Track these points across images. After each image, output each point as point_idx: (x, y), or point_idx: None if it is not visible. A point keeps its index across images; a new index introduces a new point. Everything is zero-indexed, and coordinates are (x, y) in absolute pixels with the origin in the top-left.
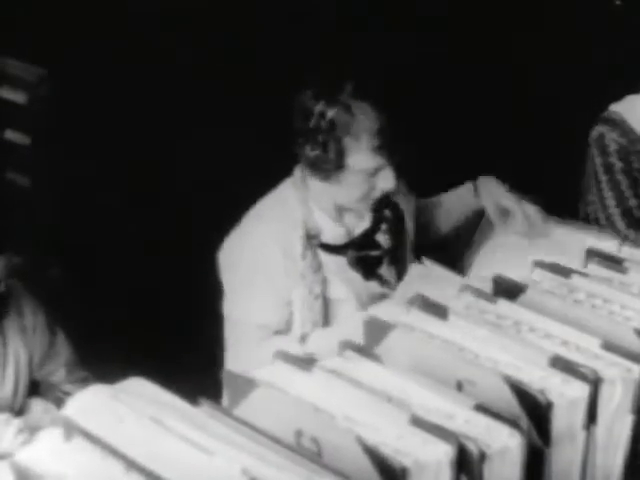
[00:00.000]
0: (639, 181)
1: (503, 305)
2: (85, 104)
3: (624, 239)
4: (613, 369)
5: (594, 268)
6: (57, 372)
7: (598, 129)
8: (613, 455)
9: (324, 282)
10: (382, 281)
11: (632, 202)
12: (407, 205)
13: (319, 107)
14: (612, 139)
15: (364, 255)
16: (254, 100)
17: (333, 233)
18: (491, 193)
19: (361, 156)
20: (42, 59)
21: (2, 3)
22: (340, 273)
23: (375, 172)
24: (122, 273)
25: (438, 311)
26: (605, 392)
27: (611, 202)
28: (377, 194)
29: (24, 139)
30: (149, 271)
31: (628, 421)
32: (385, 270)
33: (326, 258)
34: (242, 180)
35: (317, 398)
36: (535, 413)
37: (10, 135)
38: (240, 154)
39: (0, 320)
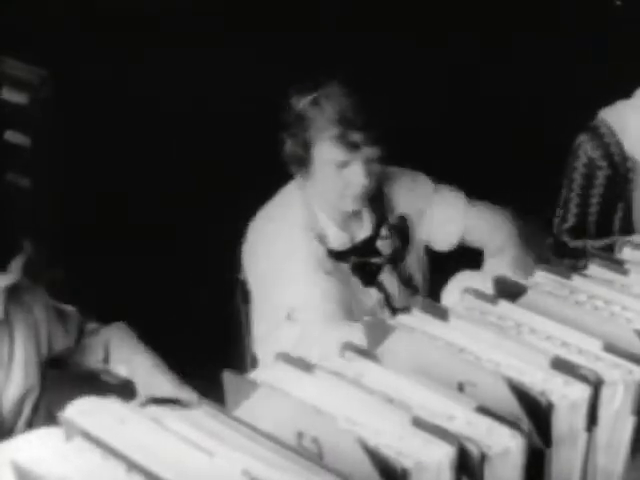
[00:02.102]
0: (592, 197)
1: (504, 306)
2: (86, 105)
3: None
4: (614, 371)
5: (595, 269)
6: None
7: (580, 137)
8: (614, 457)
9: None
10: (381, 288)
11: (574, 209)
12: (419, 205)
13: (293, 101)
14: (585, 150)
15: (364, 262)
16: (256, 101)
17: (336, 238)
18: None
19: (325, 146)
20: (43, 60)
21: (3, 3)
22: (342, 278)
23: (344, 165)
24: (124, 274)
25: (439, 312)
26: (606, 394)
27: (570, 203)
28: (353, 191)
29: (25, 140)
30: (152, 271)
31: (629, 423)
32: (386, 277)
33: (330, 263)
34: (242, 185)
35: (318, 399)
36: (536, 415)
37: (11, 136)
38: (242, 158)
39: (8, 318)
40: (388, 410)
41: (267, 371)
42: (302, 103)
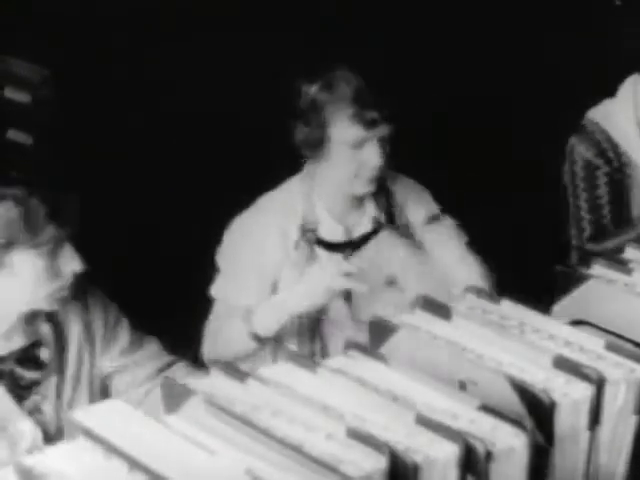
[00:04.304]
0: (599, 198)
1: (507, 305)
2: (88, 104)
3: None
4: (617, 370)
5: (598, 269)
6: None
7: (572, 140)
8: (617, 456)
9: None
10: None
11: (586, 216)
12: (420, 219)
13: (305, 87)
14: (579, 153)
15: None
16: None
17: (331, 229)
18: None
19: (341, 126)
20: (45, 59)
21: (4, 3)
22: None
23: (359, 145)
24: (125, 274)
25: (441, 311)
26: (609, 393)
27: (580, 210)
28: (368, 172)
29: (27, 139)
30: (154, 273)
31: (632, 422)
32: None
33: (321, 253)
34: (253, 180)
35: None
36: (538, 413)
37: (13, 135)
38: (253, 153)
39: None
40: (392, 408)
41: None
42: (314, 88)
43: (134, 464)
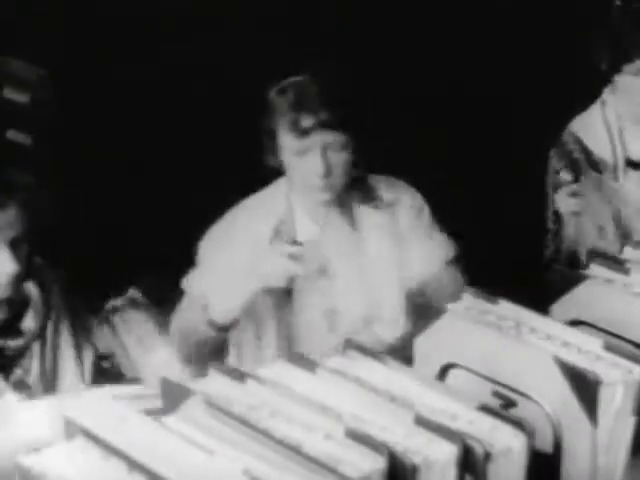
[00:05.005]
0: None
1: (504, 306)
2: (88, 104)
3: None
4: (614, 371)
5: (596, 269)
6: None
7: (552, 150)
8: (615, 457)
9: None
10: None
11: (551, 226)
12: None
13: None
14: (552, 165)
15: None
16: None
17: (308, 233)
18: None
19: (282, 133)
20: (45, 59)
21: (4, 3)
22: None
23: (302, 153)
24: (124, 275)
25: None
26: (606, 394)
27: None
28: (313, 181)
29: (26, 139)
30: (154, 272)
31: (629, 423)
32: None
33: None
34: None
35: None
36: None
37: (12, 135)
38: (253, 153)
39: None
40: (391, 408)
41: None
42: (271, 92)
43: (132, 464)
